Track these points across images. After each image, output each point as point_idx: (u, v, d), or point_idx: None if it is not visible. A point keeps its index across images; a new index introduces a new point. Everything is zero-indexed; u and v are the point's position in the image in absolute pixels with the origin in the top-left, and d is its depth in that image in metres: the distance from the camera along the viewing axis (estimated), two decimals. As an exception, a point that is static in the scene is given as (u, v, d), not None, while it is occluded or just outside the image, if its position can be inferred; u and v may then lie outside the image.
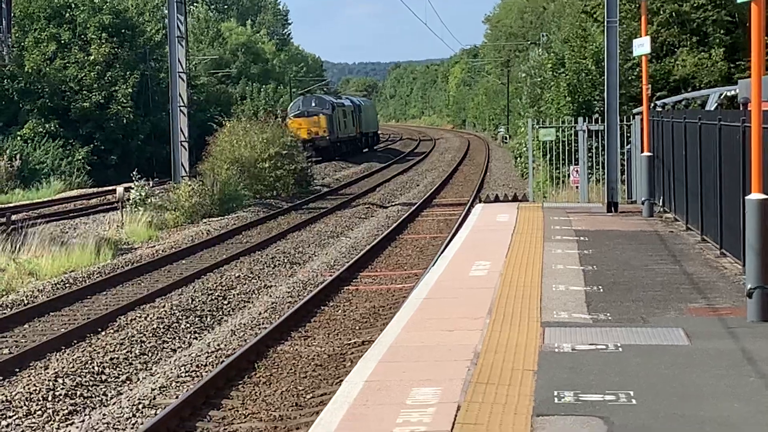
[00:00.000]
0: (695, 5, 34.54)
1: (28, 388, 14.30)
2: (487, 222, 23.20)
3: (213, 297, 21.12)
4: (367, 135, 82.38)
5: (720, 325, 11.87)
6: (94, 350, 16.59)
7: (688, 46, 34.38)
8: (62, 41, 63.53)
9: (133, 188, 35.35)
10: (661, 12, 34.62)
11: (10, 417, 13.31)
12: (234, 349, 16.65)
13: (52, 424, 13.15)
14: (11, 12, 34.80)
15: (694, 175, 19.17)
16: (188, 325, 18.76)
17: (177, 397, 13.80)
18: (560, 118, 31.07)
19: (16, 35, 59.14)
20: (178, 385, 14.71)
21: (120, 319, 19.04)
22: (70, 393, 14.28)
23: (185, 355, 16.51)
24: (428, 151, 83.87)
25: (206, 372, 15.26)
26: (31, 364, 15.88)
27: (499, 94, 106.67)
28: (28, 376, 15.12)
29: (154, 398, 14.03)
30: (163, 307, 19.90)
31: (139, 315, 19.32)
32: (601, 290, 14.17)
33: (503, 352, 10.70)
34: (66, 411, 13.60)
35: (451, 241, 21.51)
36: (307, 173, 47.66)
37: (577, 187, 27.88)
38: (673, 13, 34.43)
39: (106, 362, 15.91)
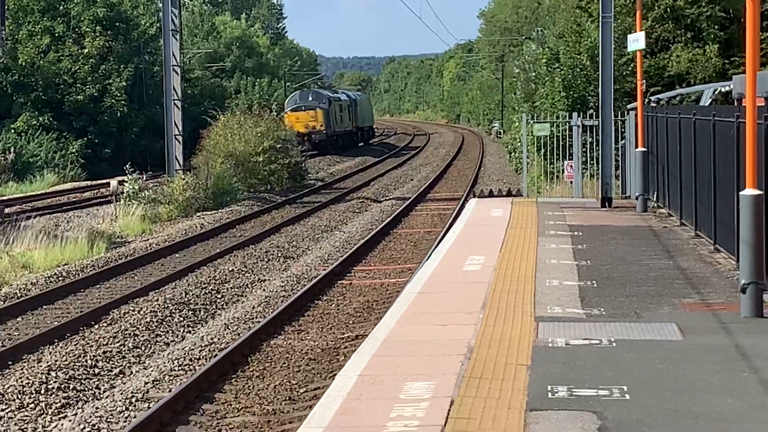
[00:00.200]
0: (690, 1, 34.53)
1: (21, 382, 14.27)
2: (481, 217, 23.19)
3: (206, 291, 21.10)
4: (363, 129, 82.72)
5: (714, 320, 11.87)
6: (88, 343, 16.56)
7: (682, 42, 34.38)
8: (56, 34, 63.40)
9: (126, 181, 35.30)
10: (656, 7, 34.60)
11: (2, 410, 13.28)
12: (227, 342, 16.63)
13: (45, 418, 13.12)
14: (5, 5, 34.74)
15: (688, 170, 19.18)
16: (182, 318, 18.74)
17: (170, 391, 13.79)
18: (555, 113, 31.05)
19: (10, 28, 59.07)
20: (171, 378, 14.69)
21: (113, 312, 19.01)
22: (63, 386, 14.25)
23: (178, 349, 16.49)
24: (422, 146, 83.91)
25: (199, 366, 15.24)
26: (24, 357, 15.85)
27: (493, 89, 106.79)
28: (21, 370, 15.09)
29: (147, 392, 14.02)
30: (157, 300, 19.88)
31: (132, 308, 19.30)
32: (595, 285, 14.18)
33: (497, 347, 10.69)
34: (59, 404, 13.58)
35: (445, 236, 21.50)
36: (301, 167, 47.65)
37: (571, 182, 27.88)
38: (668, 9, 34.43)
39: (100, 355, 15.89)
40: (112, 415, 13.03)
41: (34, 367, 15.22)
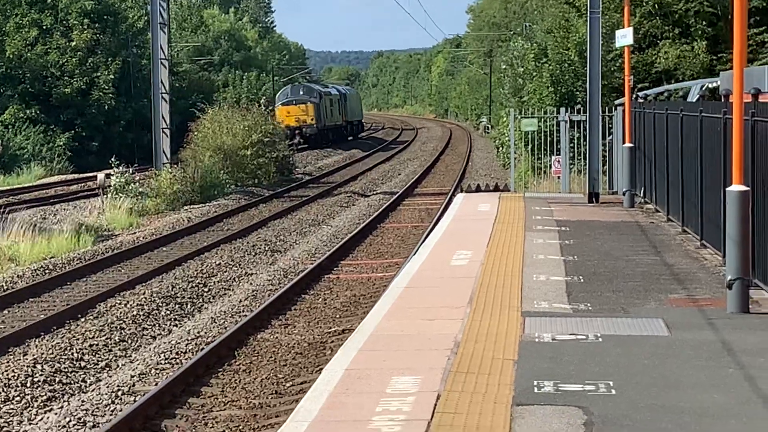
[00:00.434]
0: (678, -3, 34.53)
1: (7, 374, 14.23)
2: (468, 211, 23.20)
3: (193, 284, 21.07)
4: (352, 123, 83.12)
5: (700, 316, 11.90)
6: (74, 337, 16.52)
7: (670, 38, 34.39)
8: (44, 27, 63.25)
9: (113, 175, 35.23)
10: (644, 3, 34.59)
11: (-12, 403, 13.26)
12: (214, 336, 16.61)
13: (30, 410, 13.10)
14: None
15: (675, 166, 19.21)
16: (168, 312, 18.72)
17: (156, 384, 13.77)
18: (542, 109, 31.07)
19: (-2, 20, 58.94)
20: (157, 372, 14.67)
21: (100, 305, 18.96)
22: (48, 379, 14.23)
23: (165, 343, 16.47)
24: (410, 140, 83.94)
25: (186, 359, 15.23)
26: (9, 350, 15.80)
27: (481, 83, 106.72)
28: (7, 362, 15.05)
29: (134, 385, 14.00)
30: (143, 294, 19.85)
31: (119, 302, 19.26)
32: (582, 280, 14.19)
33: (483, 342, 10.70)
34: (45, 397, 13.55)
35: (433, 231, 21.51)
36: (288, 161, 47.64)
37: (558, 177, 27.89)
38: (656, 5, 34.42)
39: (86, 349, 15.85)
40: (98, 408, 13.01)
41: (20, 360, 15.18)
